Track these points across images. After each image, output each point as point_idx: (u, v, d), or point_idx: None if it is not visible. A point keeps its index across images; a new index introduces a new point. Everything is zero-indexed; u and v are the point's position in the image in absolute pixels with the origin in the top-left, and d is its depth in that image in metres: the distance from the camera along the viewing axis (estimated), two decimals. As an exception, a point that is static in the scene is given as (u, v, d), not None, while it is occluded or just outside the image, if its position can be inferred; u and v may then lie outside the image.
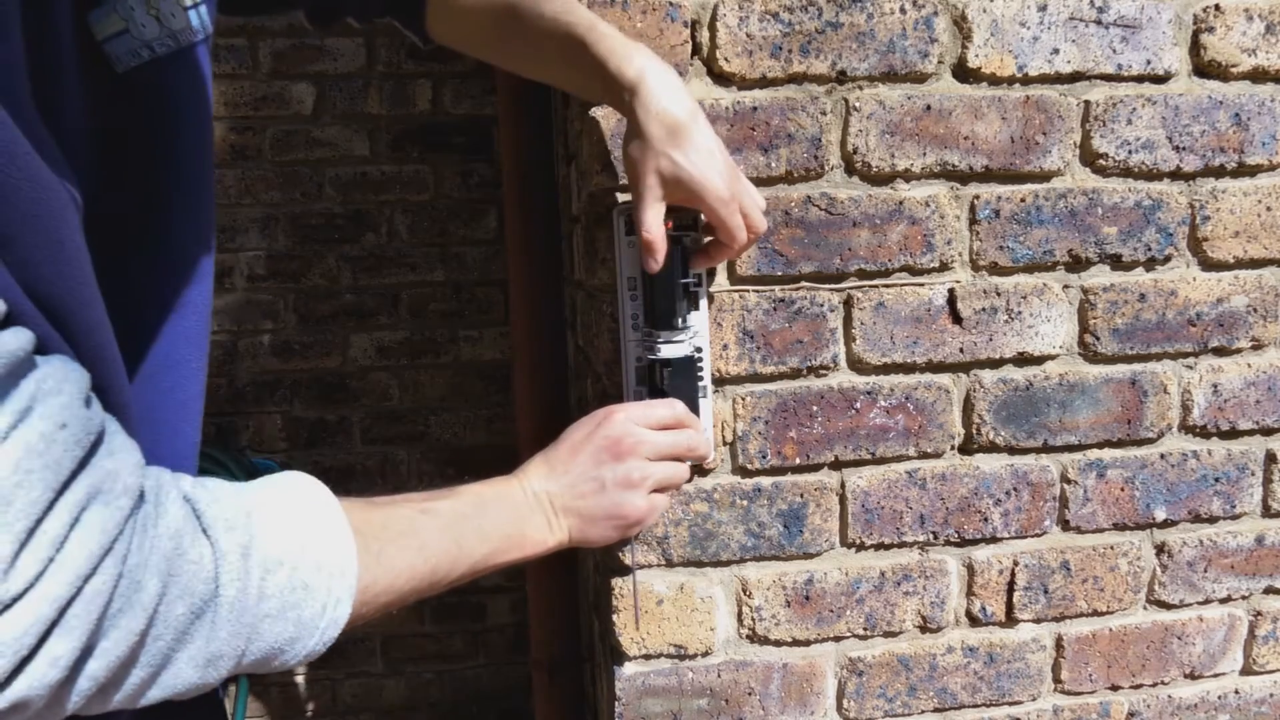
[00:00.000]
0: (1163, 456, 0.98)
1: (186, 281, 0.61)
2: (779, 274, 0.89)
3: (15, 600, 0.40)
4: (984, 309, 0.93)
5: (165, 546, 0.47)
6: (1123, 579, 0.99)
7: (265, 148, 2.10)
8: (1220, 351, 0.98)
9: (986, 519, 0.95)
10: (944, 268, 0.92)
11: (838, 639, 0.95)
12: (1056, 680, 1.00)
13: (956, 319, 0.92)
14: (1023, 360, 0.94)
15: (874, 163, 0.89)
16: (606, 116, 0.85)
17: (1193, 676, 1.02)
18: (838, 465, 0.93)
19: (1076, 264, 0.94)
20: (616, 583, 0.91)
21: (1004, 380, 0.94)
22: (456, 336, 2.19)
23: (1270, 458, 1.00)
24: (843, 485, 0.93)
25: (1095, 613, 0.99)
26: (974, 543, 0.96)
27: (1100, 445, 0.97)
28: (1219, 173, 0.95)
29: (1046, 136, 0.91)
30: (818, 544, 0.93)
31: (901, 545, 0.95)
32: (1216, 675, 1.03)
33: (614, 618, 0.91)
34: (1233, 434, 0.99)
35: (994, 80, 0.90)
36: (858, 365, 0.92)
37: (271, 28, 2.07)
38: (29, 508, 0.41)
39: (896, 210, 0.90)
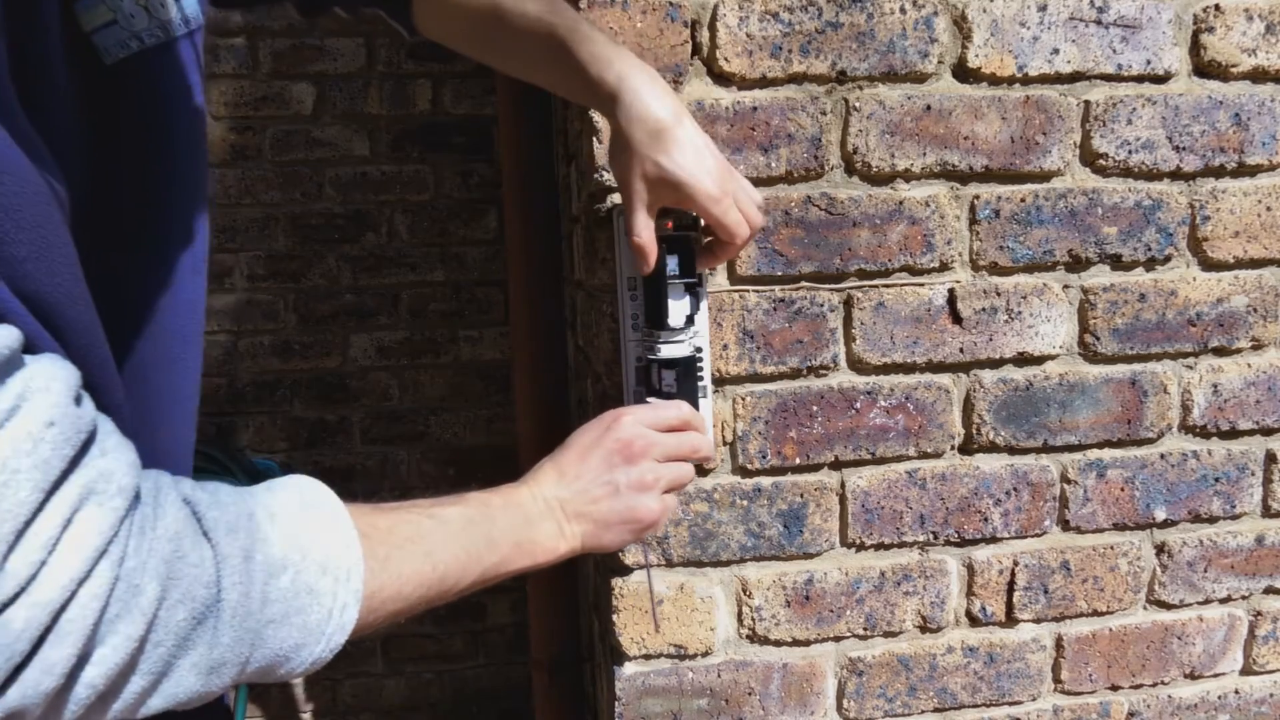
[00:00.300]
0: (1163, 456, 0.98)
1: (180, 279, 0.59)
2: (779, 274, 0.89)
3: (6, 605, 0.39)
4: (984, 309, 0.93)
5: (164, 549, 0.46)
6: (1123, 579, 0.99)
7: (265, 148, 2.10)
8: (1220, 351, 0.98)
9: (986, 519, 0.95)
10: (944, 268, 0.92)
11: (838, 639, 0.95)
12: (1056, 680, 1.00)
13: (956, 319, 0.92)
14: (1023, 360, 0.94)
15: (874, 163, 0.89)
16: (606, 117, 0.85)
17: (1193, 676, 1.02)
18: (838, 465, 0.93)
19: (1076, 264, 0.94)
20: (618, 583, 0.91)
21: (1004, 380, 0.94)
22: (456, 336, 2.19)
23: (1270, 458, 1.00)
24: (843, 485, 0.93)
25: (1095, 613, 0.99)
26: (974, 543, 0.96)
27: (1100, 445, 0.97)
28: (1219, 173, 0.95)
29: (1046, 136, 0.91)
30: (818, 544, 0.93)
31: (901, 545, 0.95)
32: (1216, 675, 1.03)
33: (614, 618, 0.91)
34: (1233, 434, 0.99)
35: (994, 80, 0.90)
36: (858, 365, 0.92)
37: (271, 27, 2.07)
38: (17, 509, 0.39)
39: (896, 210, 0.90)
